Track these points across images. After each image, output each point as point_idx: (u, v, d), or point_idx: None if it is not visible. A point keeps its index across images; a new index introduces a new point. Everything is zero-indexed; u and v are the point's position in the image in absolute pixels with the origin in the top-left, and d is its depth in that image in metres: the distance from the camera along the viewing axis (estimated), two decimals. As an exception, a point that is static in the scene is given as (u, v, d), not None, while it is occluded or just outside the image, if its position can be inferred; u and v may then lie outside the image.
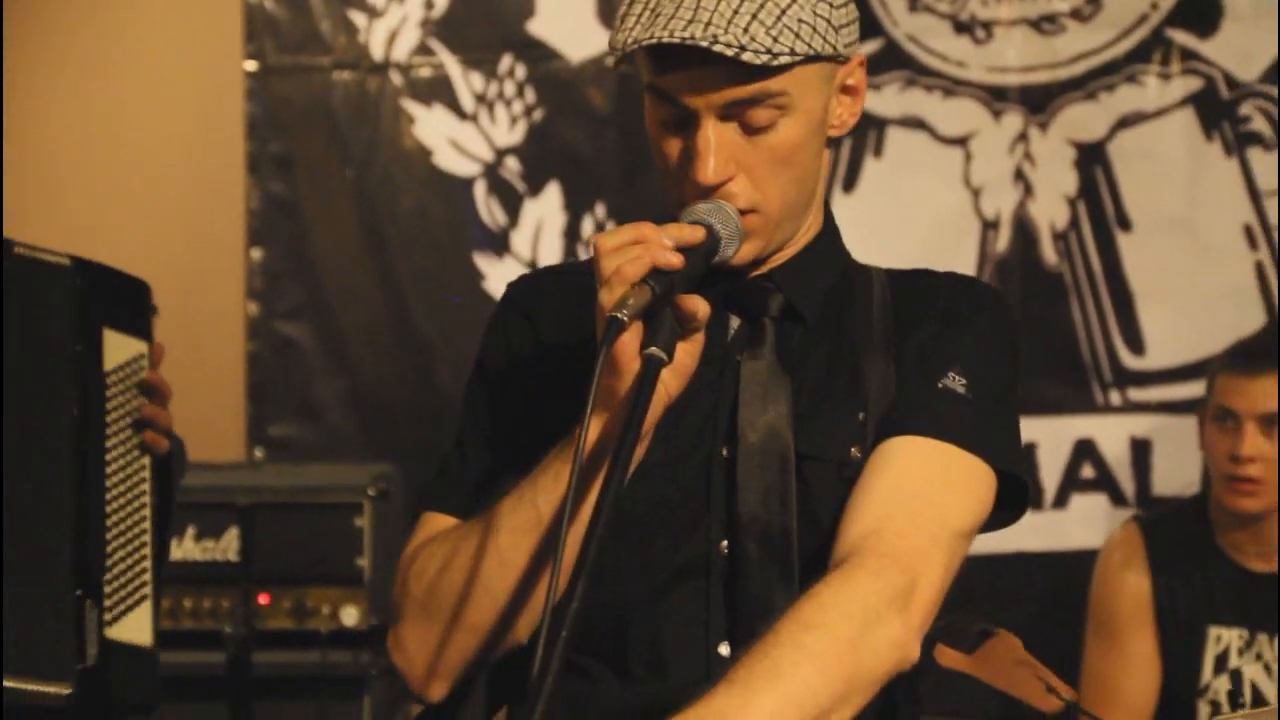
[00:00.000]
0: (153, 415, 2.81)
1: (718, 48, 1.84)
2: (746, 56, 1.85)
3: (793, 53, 1.87)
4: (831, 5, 1.92)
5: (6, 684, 2.56)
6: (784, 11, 1.87)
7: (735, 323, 2.00)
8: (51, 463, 2.65)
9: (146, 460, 2.78)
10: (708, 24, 1.85)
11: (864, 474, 1.93)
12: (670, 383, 1.85)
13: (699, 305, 1.84)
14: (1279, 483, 3.69)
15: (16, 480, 2.59)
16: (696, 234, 1.86)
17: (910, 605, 1.84)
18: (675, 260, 1.82)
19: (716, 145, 1.89)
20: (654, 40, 1.86)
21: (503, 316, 2.08)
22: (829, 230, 2.07)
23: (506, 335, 2.06)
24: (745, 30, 1.85)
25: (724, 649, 1.91)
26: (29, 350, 2.65)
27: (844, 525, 1.90)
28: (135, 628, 2.72)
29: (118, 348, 2.77)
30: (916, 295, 2.05)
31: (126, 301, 2.82)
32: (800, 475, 1.93)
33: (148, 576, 2.76)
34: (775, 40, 1.86)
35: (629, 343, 1.81)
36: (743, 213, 1.92)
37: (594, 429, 1.83)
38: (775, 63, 1.86)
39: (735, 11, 1.86)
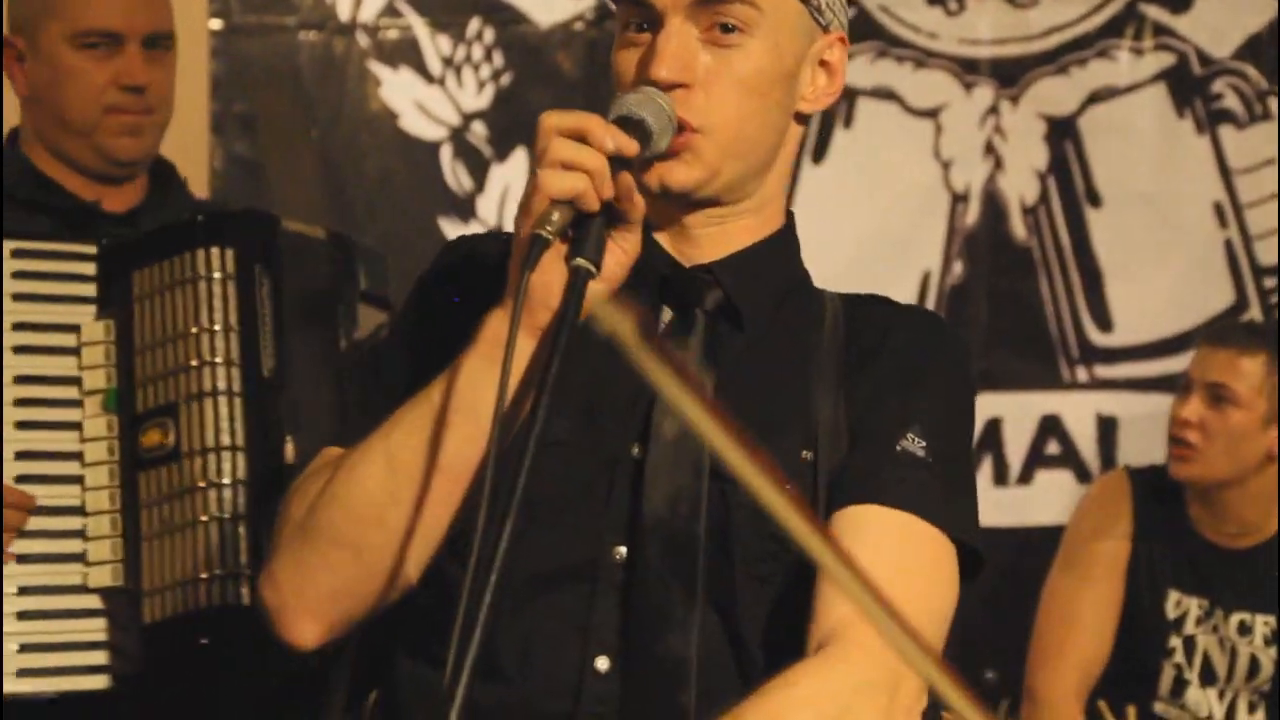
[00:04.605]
0: None
1: None
2: None
3: None
4: None
5: None
6: None
7: (668, 316, 1.87)
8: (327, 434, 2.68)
9: None
10: None
11: None
12: (599, 294, 1.70)
13: (635, 196, 1.72)
14: (1220, 458, 3.73)
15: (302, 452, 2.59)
16: (631, 148, 1.72)
17: (898, 709, 1.71)
18: (608, 193, 1.69)
19: (677, 45, 1.78)
20: None
21: (436, 272, 1.95)
22: (787, 236, 1.93)
23: (438, 291, 1.93)
24: None
25: (602, 663, 1.76)
26: (303, 322, 2.67)
27: (820, 605, 1.75)
28: None
29: (367, 319, 2.80)
30: (872, 329, 1.90)
31: (372, 272, 2.84)
32: (726, 501, 1.78)
33: None
34: None
35: (552, 261, 1.69)
36: (686, 130, 1.79)
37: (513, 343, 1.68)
38: None
39: None
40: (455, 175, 4.71)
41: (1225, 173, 4.51)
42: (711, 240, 1.88)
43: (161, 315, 2.60)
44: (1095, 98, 4.54)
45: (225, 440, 2.54)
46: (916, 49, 4.58)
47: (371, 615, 1.80)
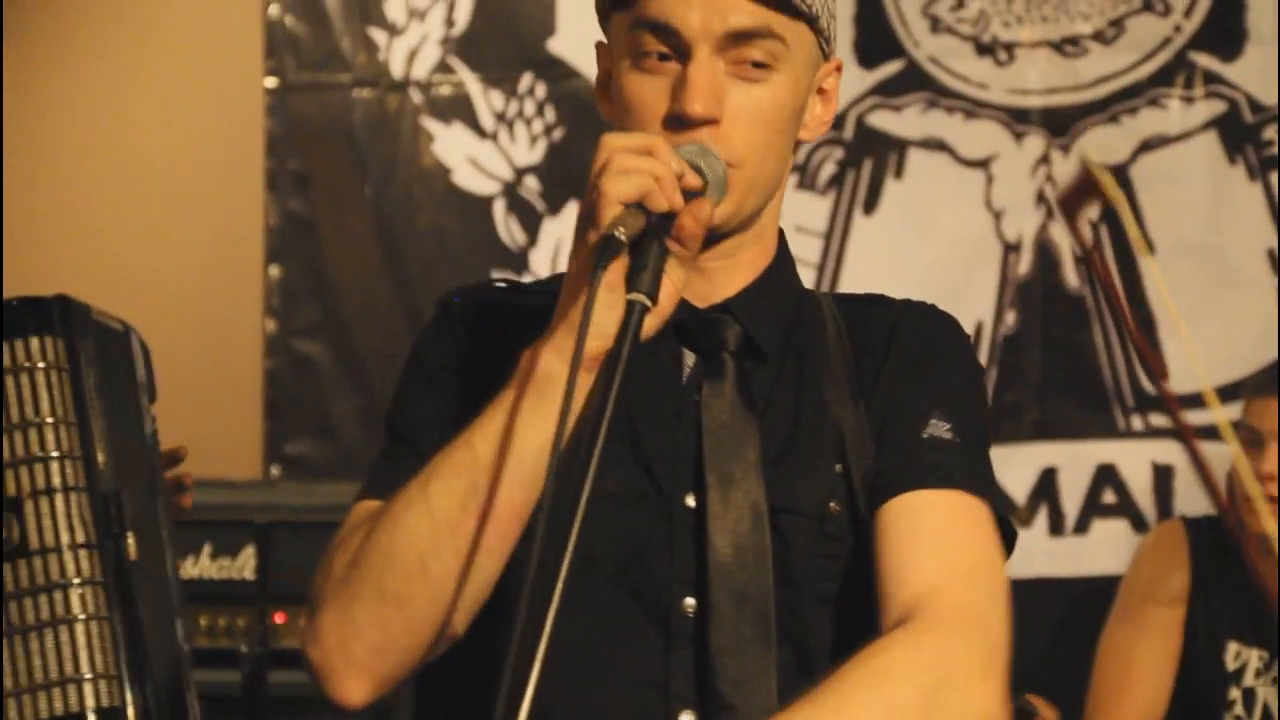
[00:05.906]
0: (175, 480, 2.84)
1: None
2: None
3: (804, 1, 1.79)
4: None
5: None
6: None
7: (690, 359, 1.84)
8: (148, 528, 2.59)
9: (167, 529, 2.74)
10: None
11: (889, 532, 1.77)
12: (649, 326, 1.67)
13: (700, 231, 1.70)
14: None
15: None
16: (696, 181, 1.70)
17: (995, 669, 1.69)
18: (678, 202, 1.66)
19: (710, 78, 1.74)
20: None
21: (445, 320, 1.90)
22: (784, 255, 1.91)
23: (451, 337, 1.87)
24: None
25: (686, 718, 1.74)
26: (115, 414, 2.58)
27: (892, 584, 1.74)
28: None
29: (149, 415, 2.74)
30: (872, 329, 1.90)
31: (148, 367, 2.77)
32: (774, 529, 1.78)
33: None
34: None
35: (603, 295, 1.62)
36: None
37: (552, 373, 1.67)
38: None
39: None
40: (508, 229, 4.74)
41: (1278, 219, 4.49)
42: (722, 276, 1.85)
43: None
44: (1146, 146, 4.54)
45: (70, 539, 2.44)
46: (967, 99, 4.59)
47: (417, 669, 1.77)
